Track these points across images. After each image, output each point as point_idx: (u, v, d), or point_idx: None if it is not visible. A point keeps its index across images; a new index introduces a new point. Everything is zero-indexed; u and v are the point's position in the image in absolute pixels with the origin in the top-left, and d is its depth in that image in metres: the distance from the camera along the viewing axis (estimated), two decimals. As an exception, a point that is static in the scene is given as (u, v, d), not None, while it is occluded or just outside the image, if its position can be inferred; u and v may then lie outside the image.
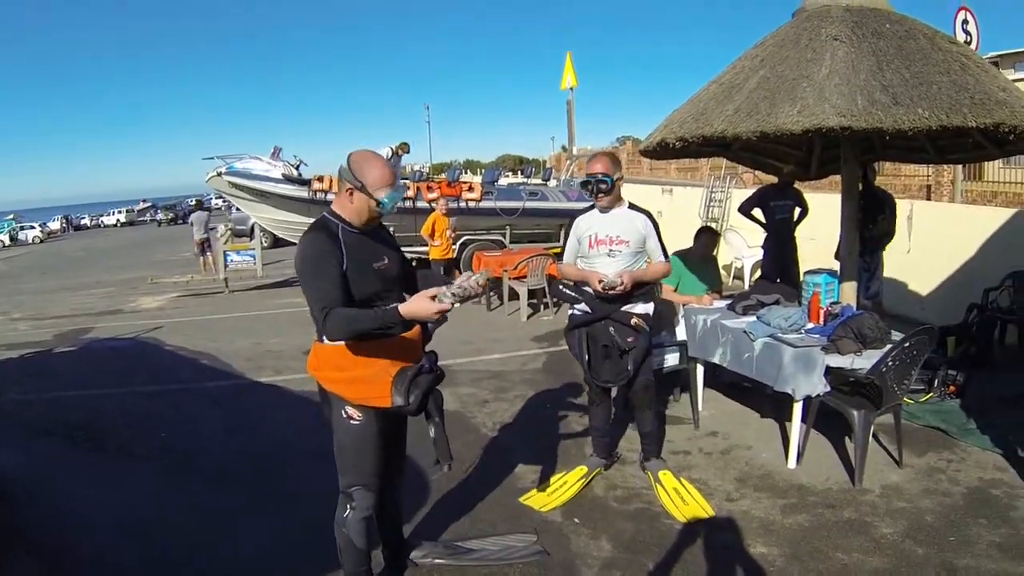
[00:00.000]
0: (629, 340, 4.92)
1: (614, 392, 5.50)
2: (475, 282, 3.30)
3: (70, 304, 16.58)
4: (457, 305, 3.28)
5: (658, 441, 5.42)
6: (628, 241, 4.89)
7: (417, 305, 3.22)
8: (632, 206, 5.01)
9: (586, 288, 5.00)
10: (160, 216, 60.53)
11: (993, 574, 3.89)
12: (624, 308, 4.92)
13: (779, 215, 8.41)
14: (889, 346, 5.01)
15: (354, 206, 3.40)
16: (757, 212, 8.52)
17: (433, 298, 3.21)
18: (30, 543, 4.79)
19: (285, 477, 5.48)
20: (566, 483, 5.08)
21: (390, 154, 15.96)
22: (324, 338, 3.39)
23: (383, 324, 3.25)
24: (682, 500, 4.80)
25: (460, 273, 12.43)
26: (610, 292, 4.78)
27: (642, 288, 4.98)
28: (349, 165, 3.40)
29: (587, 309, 5.03)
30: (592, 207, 5.05)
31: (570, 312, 5.21)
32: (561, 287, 5.17)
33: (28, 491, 5.63)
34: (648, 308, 5.03)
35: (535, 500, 4.92)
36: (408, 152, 16.46)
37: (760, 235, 12.91)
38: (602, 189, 4.84)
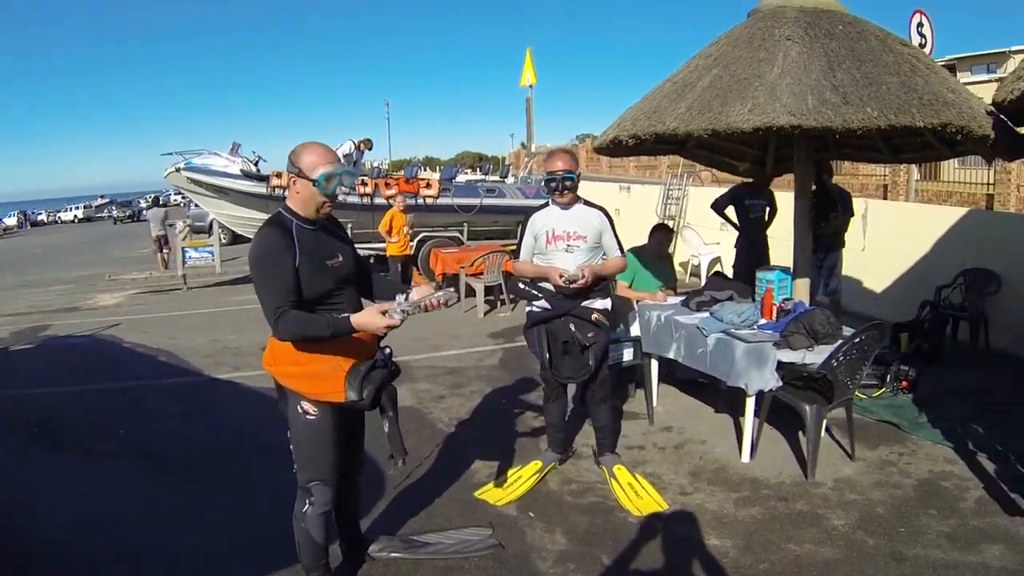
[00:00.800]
0: (590, 335, 4.93)
1: (571, 388, 5.53)
2: (436, 300, 3.39)
3: (27, 301, 16.38)
4: (406, 319, 3.34)
5: (613, 435, 5.47)
6: (585, 236, 4.92)
7: (368, 318, 3.30)
8: (587, 202, 5.04)
9: (544, 285, 5.00)
10: (116, 213, 58.11)
11: (942, 563, 3.97)
12: (584, 304, 4.94)
13: (753, 214, 8.43)
14: (840, 341, 5.09)
15: (300, 195, 3.42)
16: (730, 211, 8.55)
17: (384, 312, 3.27)
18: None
19: (244, 472, 5.47)
20: (521, 477, 5.12)
21: (352, 147, 15.92)
22: None
23: (334, 333, 3.29)
24: (636, 494, 4.84)
25: (418, 270, 12.39)
26: (571, 286, 4.80)
27: (600, 283, 5.03)
28: (289, 156, 3.44)
29: (546, 306, 5.03)
30: (547, 204, 5.07)
31: (528, 309, 5.20)
32: (520, 285, 5.16)
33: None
34: (607, 303, 5.06)
35: (490, 494, 4.95)
36: (371, 148, 16.45)
37: (717, 233, 13.08)
38: (567, 186, 4.86)
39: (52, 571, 4.35)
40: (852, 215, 8.27)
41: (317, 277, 3.38)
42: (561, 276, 4.78)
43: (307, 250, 3.36)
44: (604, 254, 5.07)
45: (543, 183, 4.89)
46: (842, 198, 8.09)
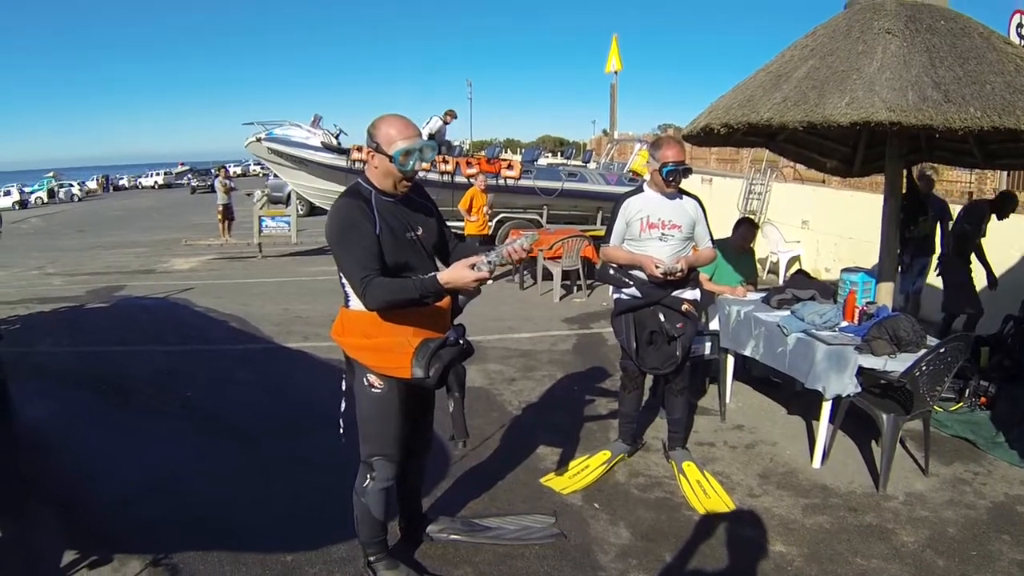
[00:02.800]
0: (679, 326, 4.86)
1: (648, 379, 5.43)
2: (519, 245, 3.23)
3: (104, 262, 16.78)
4: (496, 271, 3.24)
5: (686, 430, 5.37)
6: (680, 226, 4.83)
7: (457, 273, 3.15)
8: (682, 191, 4.93)
9: (635, 272, 4.91)
10: (193, 182, 56.31)
11: (1014, 594, 3.82)
12: (675, 294, 4.86)
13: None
14: (924, 351, 4.92)
15: (378, 170, 3.36)
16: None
17: (472, 267, 3.14)
18: (51, 493, 4.84)
19: (306, 442, 5.48)
20: (588, 467, 5.04)
21: (439, 124, 15.91)
22: (351, 303, 3.37)
23: (423, 293, 3.19)
24: (704, 493, 4.75)
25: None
26: (669, 278, 4.73)
27: (691, 273, 4.94)
28: (368, 130, 3.37)
29: (636, 294, 4.94)
30: (639, 190, 4.99)
31: (616, 296, 5.09)
32: (610, 271, 5.06)
33: (53, 442, 5.71)
34: (696, 294, 5.00)
35: (556, 482, 4.88)
36: (456, 118, 16.38)
37: (797, 231, 12.86)
38: (685, 176, 4.81)
39: (111, 526, 4.40)
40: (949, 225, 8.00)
41: (396, 249, 3.31)
42: (657, 267, 4.69)
43: (386, 221, 3.30)
44: (695, 244, 4.98)
45: (658, 171, 4.75)
46: (939, 207, 7.84)
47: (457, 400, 3.56)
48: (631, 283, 4.93)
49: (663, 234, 4.82)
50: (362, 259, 3.19)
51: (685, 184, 4.91)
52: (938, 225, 8.08)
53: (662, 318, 4.87)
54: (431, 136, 15.52)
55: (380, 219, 3.28)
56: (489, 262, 3.15)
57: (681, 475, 4.97)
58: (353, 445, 3.60)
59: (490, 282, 3.27)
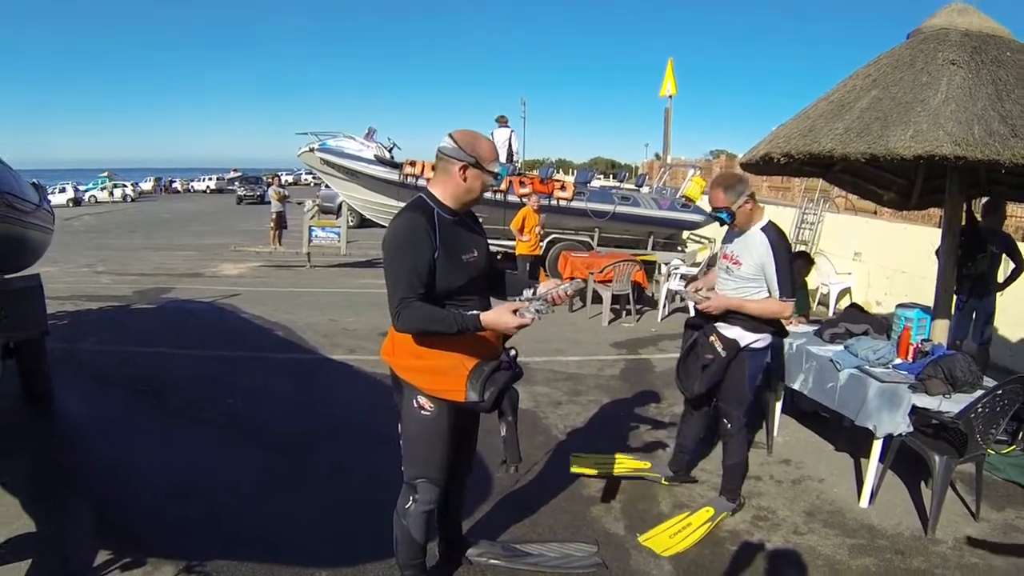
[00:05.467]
0: (707, 356, 4.76)
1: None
2: (563, 291, 3.30)
3: (153, 263, 17.01)
4: (539, 319, 3.24)
5: (732, 480, 4.99)
6: (741, 263, 4.69)
7: (499, 317, 3.20)
8: (765, 227, 4.68)
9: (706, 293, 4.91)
10: (240, 190, 50.10)
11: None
12: (715, 323, 4.76)
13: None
14: (980, 392, 4.81)
15: (466, 184, 3.35)
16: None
17: (515, 312, 3.17)
18: (85, 488, 4.92)
19: (347, 455, 5.49)
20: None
21: (509, 133, 15.99)
22: None
23: (461, 329, 3.19)
24: (671, 532, 4.59)
25: (545, 271, 12.35)
26: (694, 303, 4.76)
27: (735, 313, 4.70)
28: (458, 143, 3.35)
29: (693, 312, 5.00)
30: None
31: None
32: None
33: (90, 438, 5.78)
34: (743, 336, 4.69)
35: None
36: (508, 123, 16.39)
37: (849, 263, 12.69)
38: (725, 222, 4.76)
39: (143, 530, 4.43)
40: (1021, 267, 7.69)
41: (452, 270, 3.30)
42: (696, 291, 4.74)
43: (446, 241, 3.29)
44: (769, 290, 4.67)
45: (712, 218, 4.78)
46: (1004, 242, 7.58)
47: (510, 424, 3.52)
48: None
49: (728, 267, 4.80)
50: (408, 279, 3.17)
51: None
52: (1000, 262, 7.84)
53: (702, 344, 4.82)
54: (509, 147, 15.67)
55: (441, 237, 3.26)
56: (536, 309, 3.20)
57: (688, 510, 4.85)
58: (399, 462, 3.57)
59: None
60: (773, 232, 4.63)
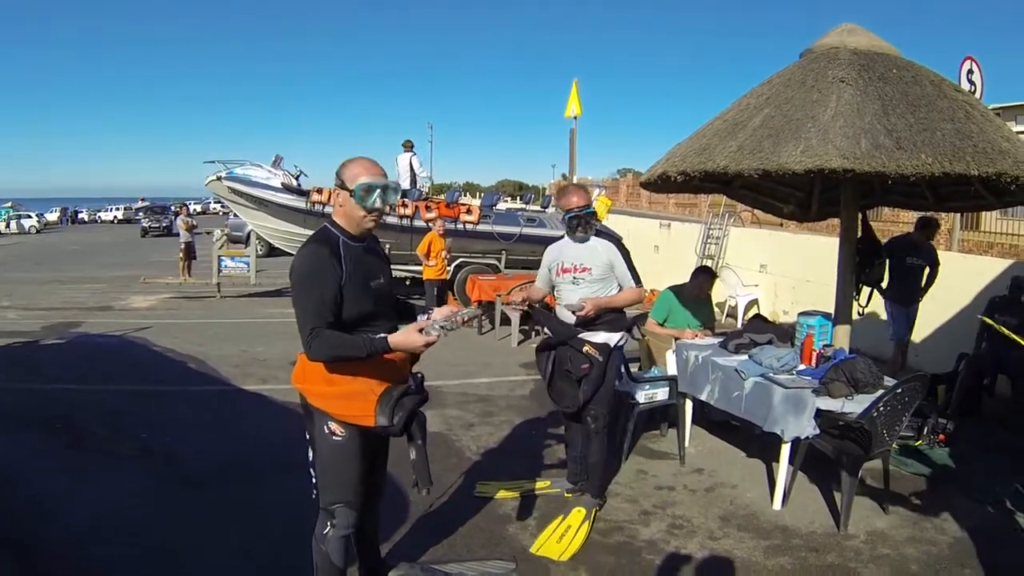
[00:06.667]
0: (583, 367, 4.92)
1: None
2: (461, 317, 3.40)
3: (61, 297, 16.54)
4: (444, 336, 3.29)
5: (599, 477, 5.18)
6: (591, 268, 4.95)
7: (405, 337, 3.24)
8: (599, 233, 5.07)
9: (557, 312, 5.09)
10: (145, 222, 46.55)
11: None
12: (582, 335, 4.93)
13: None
14: (881, 391, 4.99)
15: (344, 208, 3.40)
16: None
17: (421, 331, 3.21)
18: (2, 533, 4.75)
19: (264, 487, 5.42)
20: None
21: (409, 156, 15.98)
22: None
23: (371, 353, 3.23)
24: (558, 537, 4.69)
25: (453, 295, 12.38)
26: (577, 316, 4.86)
27: (608, 315, 5.00)
28: (336, 172, 3.43)
29: (549, 332, 5.11)
30: (563, 236, 5.17)
31: (542, 333, 5.27)
32: (534, 310, 5.28)
33: (3, 481, 5.59)
34: (611, 338, 5.00)
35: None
36: (412, 148, 16.40)
37: (755, 275, 12.99)
38: (587, 221, 4.95)
39: (60, 568, 4.34)
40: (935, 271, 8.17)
41: (360, 297, 3.34)
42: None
43: (352, 269, 3.32)
44: (618, 285, 5.07)
45: (563, 219, 4.90)
46: (931, 256, 8.00)
47: (420, 448, 3.54)
48: (545, 322, 5.14)
49: (575, 277, 4.99)
50: (316, 310, 3.21)
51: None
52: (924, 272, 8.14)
53: (571, 358, 4.96)
54: (413, 173, 15.59)
55: (348, 266, 3.29)
56: (440, 327, 3.24)
57: (563, 514, 4.93)
58: (314, 490, 3.57)
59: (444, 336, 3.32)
60: (607, 235, 5.19)
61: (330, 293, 3.23)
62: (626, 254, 5.08)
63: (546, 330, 5.18)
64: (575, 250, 5.01)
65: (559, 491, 5.34)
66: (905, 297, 8.15)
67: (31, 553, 4.50)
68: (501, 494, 5.02)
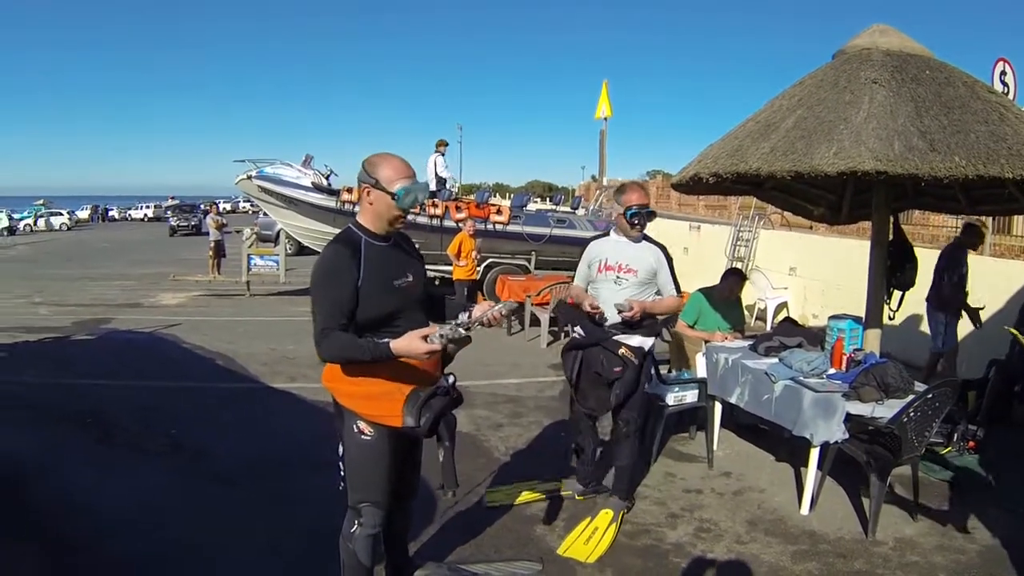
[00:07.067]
0: (616, 370, 4.86)
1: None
2: (497, 312, 3.34)
3: (91, 294, 16.74)
4: (450, 344, 3.27)
5: (627, 479, 5.17)
6: (636, 271, 4.92)
7: (409, 344, 3.20)
8: (647, 238, 5.04)
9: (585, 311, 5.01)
10: (173, 220, 46.27)
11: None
12: (617, 337, 4.89)
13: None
14: (912, 397, 4.94)
15: (373, 207, 3.38)
16: None
17: (425, 338, 3.19)
18: (30, 526, 4.81)
19: (292, 484, 5.45)
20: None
21: (441, 160, 15.99)
22: None
23: (375, 357, 3.22)
24: (584, 539, 4.69)
25: (483, 295, 12.40)
26: (620, 315, 4.81)
27: (647, 320, 4.97)
28: (364, 166, 3.41)
29: (582, 332, 5.04)
30: (606, 233, 5.16)
31: (571, 333, 5.21)
32: (565, 307, 5.25)
33: (33, 474, 5.65)
34: (645, 342, 4.97)
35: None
36: (447, 146, 16.41)
37: (785, 278, 12.91)
38: (649, 219, 4.93)
39: (85, 565, 4.36)
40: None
41: (382, 297, 3.34)
42: (592, 305, 4.82)
43: (374, 268, 3.32)
44: (659, 292, 5.05)
45: (623, 215, 4.86)
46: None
47: (447, 450, 3.54)
48: (577, 321, 5.07)
49: (618, 277, 4.94)
50: (329, 311, 3.23)
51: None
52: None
53: (603, 360, 4.90)
54: (437, 175, 15.61)
55: (367, 267, 3.29)
56: (442, 335, 3.20)
57: (590, 516, 4.92)
58: (342, 488, 3.58)
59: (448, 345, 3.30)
60: (655, 241, 5.11)
61: (345, 294, 3.24)
62: (670, 261, 5.07)
63: (576, 330, 5.13)
64: (623, 249, 4.97)
65: (570, 493, 5.32)
66: (958, 306, 8.04)
67: (59, 546, 4.54)
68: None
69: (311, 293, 3.30)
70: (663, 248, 5.08)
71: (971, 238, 8.07)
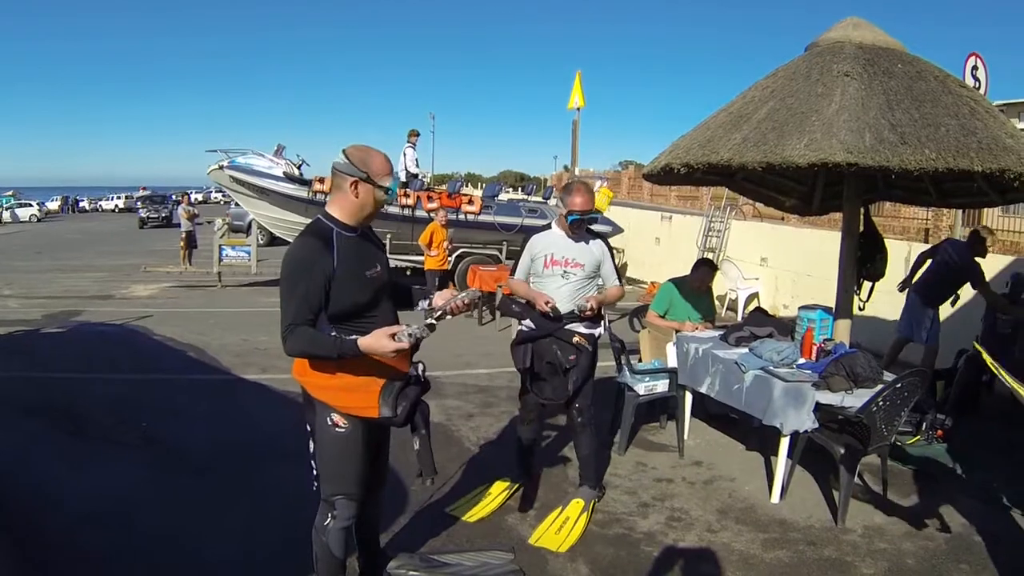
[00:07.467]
0: (571, 358, 4.92)
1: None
2: (460, 301, 3.38)
3: (62, 285, 16.56)
4: (417, 342, 3.27)
5: (594, 468, 5.21)
6: (583, 264, 4.97)
7: (376, 341, 3.18)
8: (589, 231, 5.10)
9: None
10: (142, 212, 44.85)
11: (972, 622, 3.86)
12: (568, 327, 4.94)
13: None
14: (880, 386, 4.98)
15: (359, 200, 3.36)
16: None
17: (393, 336, 3.17)
18: (1, 521, 4.75)
19: (263, 476, 5.43)
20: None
21: (413, 154, 15.97)
22: None
23: (340, 353, 3.20)
24: (556, 529, 4.72)
25: (454, 285, 12.37)
26: (583, 315, 4.90)
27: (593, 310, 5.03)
28: (349, 159, 3.36)
29: (532, 325, 5.07)
30: (548, 227, 5.18)
31: (519, 327, 5.25)
32: (511, 303, 5.22)
33: (3, 469, 5.58)
34: (595, 330, 5.05)
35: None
36: (419, 135, 16.43)
37: (756, 268, 12.96)
38: (590, 225, 5.01)
39: (60, 560, 4.32)
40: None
41: (355, 288, 3.32)
42: (547, 303, 4.82)
43: (347, 260, 3.30)
44: (602, 283, 5.15)
45: (564, 217, 4.90)
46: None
47: (423, 437, 3.56)
48: (526, 315, 5.10)
49: (565, 271, 4.98)
50: (298, 305, 3.20)
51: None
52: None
53: (556, 349, 4.95)
54: (407, 169, 15.68)
55: (341, 259, 3.27)
56: (410, 334, 3.19)
57: (561, 506, 4.96)
58: (314, 480, 3.56)
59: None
60: (596, 233, 5.21)
61: (315, 288, 3.21)
62: (612, 253, 5.22)
63: (524, 323, 5.17)
64: (568, 244, 5.00)
65: (518, 486, 5.32)
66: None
67: (31, 541, 4.51)
68: (474, 513, 4.93)
69: (281, 285, 3.28)
70: (604, 240, 5.20)
71: (981, 246, 8.04)
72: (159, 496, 5.15)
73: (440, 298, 3.44)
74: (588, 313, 4.87)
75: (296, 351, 3.26)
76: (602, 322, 5.16)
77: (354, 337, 3.22)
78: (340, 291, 3.27)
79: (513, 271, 5.27)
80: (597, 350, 5.08)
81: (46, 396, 7.40)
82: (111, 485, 5.31)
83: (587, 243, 5.02)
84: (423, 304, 3.39)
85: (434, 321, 3.26)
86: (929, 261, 8.23)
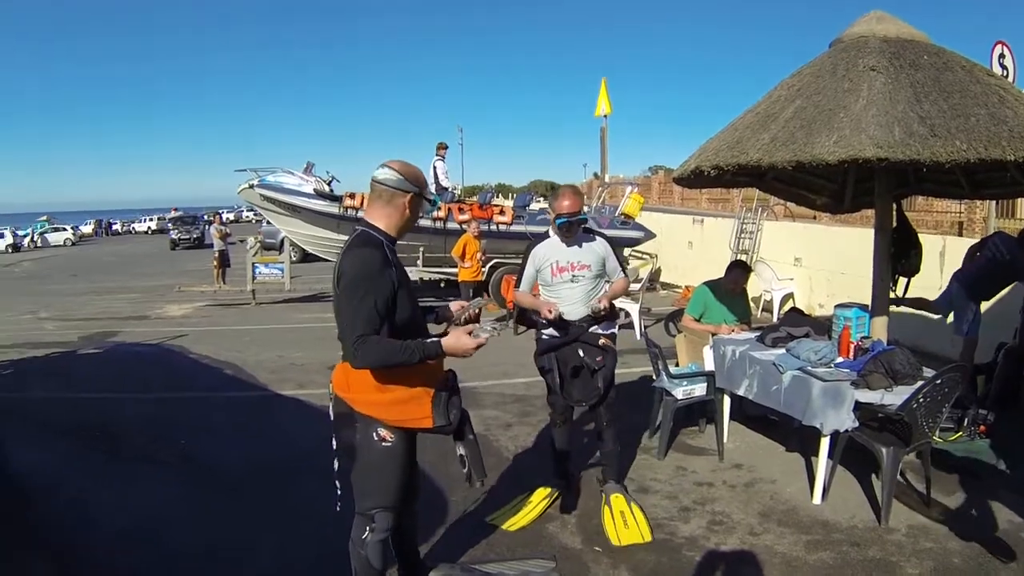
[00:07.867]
0: (598, 360, 5.02)
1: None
2: (471, 312, 3.58)
3: (97, 307, 16.79)
4: (497, 336, 3.34)
5: (618, 463, 5.34)
6: (589, 265, 5.05)
7: (456, 341, 3.26)
8: (586, 230, 5.17)
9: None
10: (173, 233, 44.81)
11: (1021, 620, 3.80)
12: (592, 329, 5.04)
13: None
14: (920, 383, 4.93)
15: (411, 215, 3.43)
16: None
17: (471, 333, 3.24)
18: (40, 541, 4.83)
19: (302, 492, 5.43)
20: (531, 503, 5.10)
21: (444, 167, 16.04)
22: None
23: (424, 357, 3.24)
24: (624, 523, 4.78)
25: (489, 296, 12.35)
26: (600, 315, 5.01)
27: (607, 310, 5.12)
28: (402, 175, 3.40)
29: (555, 333, 5.15)
30: (546, 236, 5.23)
31: (537, 336, 5.32)
32: (531, 313, 5.28)
33: (42, 489, 5.67)
34: (614, 329, 5.20)
35: (500, 518, 4.95)
36: (447, 149, 16.42)
37: (790, 269, 12.88)
38: (581, 225, 5.04)
39: (99, 575, 4.38)
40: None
41: (409, 300, 3.39)
42: (550, 311, 4.90)
43: (402, 271, 3.37)
44: (608, 279, 5.22)
45: (554, 221, 4.93)
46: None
47: (471, 442, 3.62)
48: (548, 324, 5.14)
49: (574, 275, 5.06)
50: (368, 316, 3.19)
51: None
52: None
53: (582, 354, 5.05)
54: (438, 183, 15.70)
55: (399, 271, 3.33)
56: (493, 328, 3.28)
57: (606, 506, 4.99)
58: (349, 497, 3.58)
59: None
60: (596, 232, 5.31)
61: (383, 299, 3.22)
62: (613, 246, 5.30)
63: (547, 332, 5.22)
64: (570, 249, 5.06)
65: (558, 494, 5.32)
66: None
67: (69, 557, 4.58)
68: (514, 521, 4.94)
69: (344, 298, 3.25)
70: (604, 235, 5.31)
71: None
72: (197, 514, 5.20)
73: (454, 307, 3.49)
74: (603, 313, 4.97)
75: (370, 362, 3.24)
76: (616, 319, 5.27)
77: (436, 339, 3.28)
78: (402, 301, 3.31)
79: (518, 283, 5.36)
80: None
81: (84, 416, 7.51)
82: (149, 503, 5.38)
83: (588, 243, 5.10)
84: (429, 317, 3.44)
85: (506, 321, 3.34)
86: (977, 255, 8.07)
